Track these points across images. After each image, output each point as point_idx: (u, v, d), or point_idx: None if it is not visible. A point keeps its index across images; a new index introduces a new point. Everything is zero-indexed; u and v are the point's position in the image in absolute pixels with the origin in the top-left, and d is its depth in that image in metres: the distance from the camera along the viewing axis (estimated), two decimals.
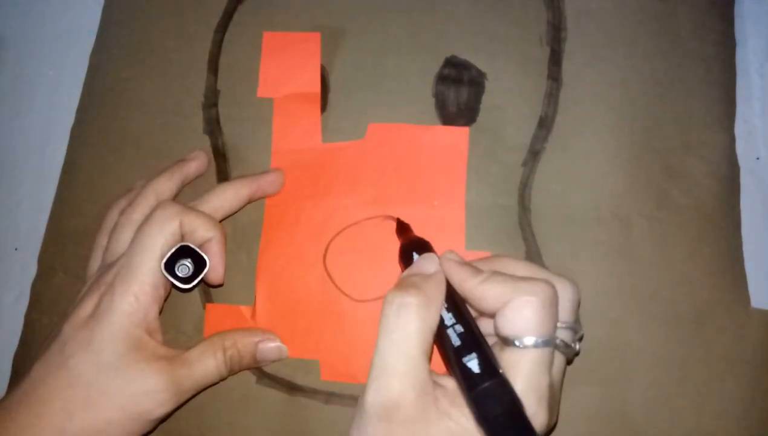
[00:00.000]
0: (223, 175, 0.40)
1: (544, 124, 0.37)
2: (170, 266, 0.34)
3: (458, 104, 0.38)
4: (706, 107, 0.37)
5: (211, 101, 0.41)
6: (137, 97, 0.42)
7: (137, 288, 0.33)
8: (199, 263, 0.35)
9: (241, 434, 0.36)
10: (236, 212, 0.38)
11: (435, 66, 0.39)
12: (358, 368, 0.36)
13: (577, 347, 0.29)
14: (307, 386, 0.36)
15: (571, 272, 0.35)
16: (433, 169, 0.37)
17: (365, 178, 0.38)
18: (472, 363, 0.26)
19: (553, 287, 0.27)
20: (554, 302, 0.27)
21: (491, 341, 0.28)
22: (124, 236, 0.36)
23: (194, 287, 0.35)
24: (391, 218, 0.37)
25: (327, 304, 0.37)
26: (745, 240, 0.35)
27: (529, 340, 0.26)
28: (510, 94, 0.38)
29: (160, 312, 0.35)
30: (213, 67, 0.42)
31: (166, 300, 0.36)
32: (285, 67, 0.41)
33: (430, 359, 0.28)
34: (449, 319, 0.28)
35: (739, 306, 0.34)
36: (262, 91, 0.41)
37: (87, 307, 0.33)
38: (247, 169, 0.40)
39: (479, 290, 0.28)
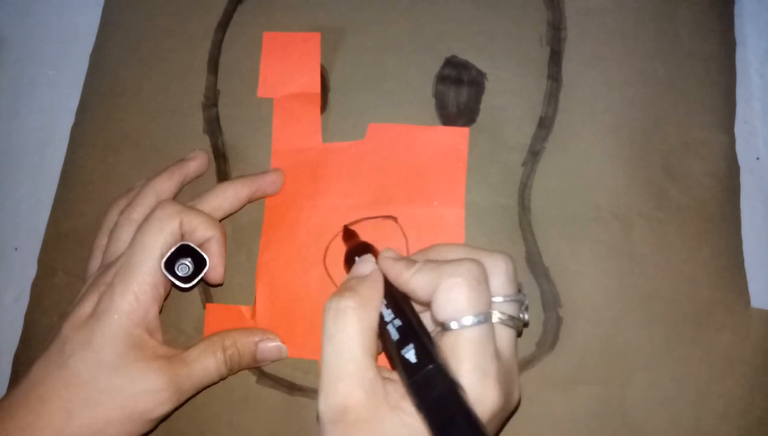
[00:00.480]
0: (223, 175, 0.40)
1: (544, 124, 0.37)
2: (170, 265, 0.34)
3: (458, 104, 0.38)
4: (706, 107, 0.37)
5: (211, 101, 0.41)
6: (137, 97, 0.42)
7: (137, 287, 0.33)
8: (199, 263, 0.35)
9: (241, 434, 0.36)
10: (236, 212, 0.38)
11: (435, 66, 0.39)
12: None
13: (526, 317, 0.29)
14: (307, 386, 0.36)
15: (571, 272, 0.35)
16: (433, 170, 0.37)
17: (365, 178, 0.38)
18: (410, 354, 0.27)
19: (479, 263, 0.27)
20: (481, 278, 0.27)
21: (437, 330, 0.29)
22: (124, 236, 0.36)
23: (194, 286, 0.35)
24: (392, 217, 0.37)
25: None
26: (745, 240, 0.35)
27: (466, 320, 0.26)
28: (510, 94, 0.38)
29: (160, 312, 0.35)
30: (213, 67, 0.42)
31: (166, 300, 0.36)
32: (285, 67, 0.41)
33: (376, 358, 0.28)
34: (388, 315, 0.29)
35: (739, 306, 0.34)
36: (262, 91, 0.41)
37: (87, 306, 0.33)
38: (247, 169, 0.40)
39: (412, 282, 0.28)
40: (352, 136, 0.39)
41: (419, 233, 0.36)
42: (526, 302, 0.30)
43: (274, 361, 0.37)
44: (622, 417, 0.33)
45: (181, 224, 0.34)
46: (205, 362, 0.34)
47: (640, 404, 0.33)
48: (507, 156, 0.37)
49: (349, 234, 0.36)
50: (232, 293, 0.38)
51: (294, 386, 0.36)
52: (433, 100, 0.39)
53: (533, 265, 0.36)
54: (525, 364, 0.34)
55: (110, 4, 0.45)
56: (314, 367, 0.36)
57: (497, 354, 0.27)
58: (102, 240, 0.38)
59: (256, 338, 0.36)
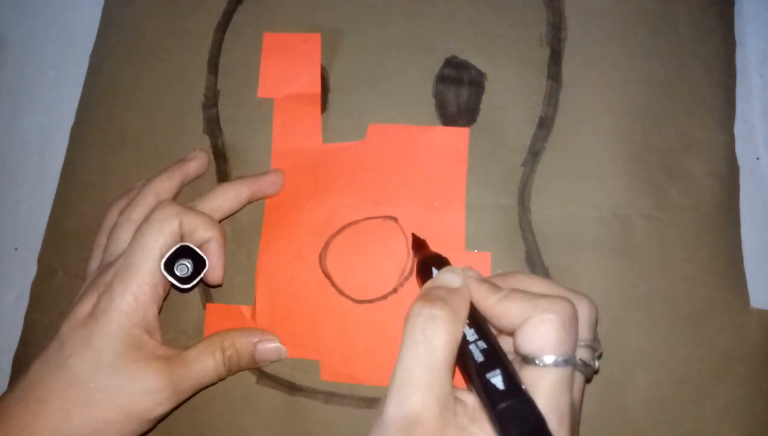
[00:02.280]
0: (223, 176, 0.40)
1: (544, 124, 0.37)
2: (169, 265, 0.34)
3: (458, 104, 0.38)
4: (706, 107, 0.37)
5: (211, 101, 0.41)
6: (137, 97, 0.42)
7: (136, 288, 0.33)
8: (199, 263, 0.35)
9: (241, 434, 0.36)
10: (236, 213, 0.38)
11: (435, 66, 0.39)
12: (358, 368, 0.36)
13: (597, 365, 0.29)
14: (307, 386, 0.36)
15: (571, 272, 0.35)
16: (433, 170, 0.37)
17: (365, 179, 0.38)
18: (496, 380, 0.26)
19: (572, 304, 0.27)
20: (574, 320, 0.27)
21: (511, 359, 0.28)
22: (124, 236, 0.36)
23: (193, 287, 0.35)
24: (392, 217, 0.37)
25: (327, 304, 0.37)
26: (745, 240, 0.35)
27: (549, 358, 0.26)
28: (510, 94, 0.38)
29: (160, 312, 0.35)
30: (213, 67, 0.42)
31: (165, 300, 0.36)
32: (285, 67, 0.41)
33: (453, 374, 0.27)
34: (471, 335, 0.28)
35: (739, 306, 0.34)
36: (262, 92, 0.41)
37: (86, 306, 0.33)
38: (247, 170, 0.40)
39: (499, 307, 0.28)
40: (352, 136, 0.39)
41: (419, 233, 0.36)
42: (600, 349, 0.29)
43: (273, 362, 0.37)
44: (622, 417, 0.33)
45: (180, 225, 0.34)
46: (203, 363, 0.34)
47: (640, 404, 0.33)
48: (507, 156, 0.37)
49: (418, 243, 0.35)
50: (232, 293, 0.38)
51: (294, 386, 0.36)
52: (433, 100, 0.39)
53: (533, 265, 0.36)
54: None
55: (110, 4, 0.45)
56: (314, 367, 0.36)
57: (572, 400, 0.27)
58: (102, 240, 0.38)
59: (255, 339, 0.36)
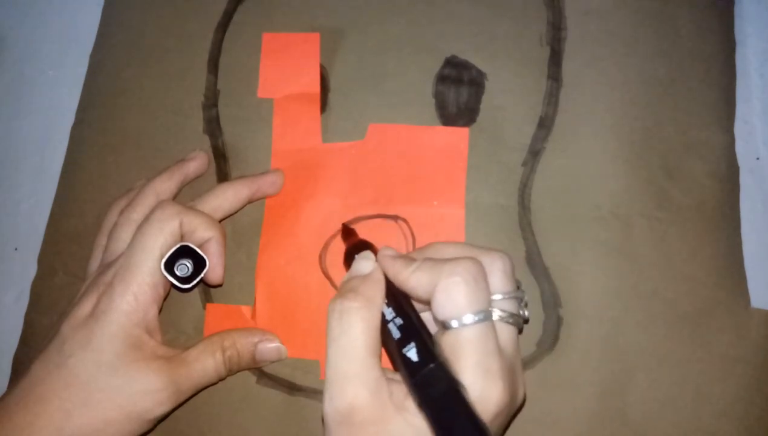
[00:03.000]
0: (223, 175, 0.40)
1: (544, 124, 0.37)
2: (170, 265, 0.34)
3: (458, 104, 0.38)
4: (706, 107, 0.37)
5: (211, 101, 0.41)
6: (137, 97, 0.42)
7: (136, 288, 0.33)
8: (199, 263, 0.35)
9: (241, 434, 0.36)
10: (236, 212, 0.38)
11: (435, 66, 0.39)
12: None
13: (526, 313, 0.29)
14: (307, 386, 0.36)
15: (571, 272, 0.35)
16: (433, 170, 0.37)
17: (365, 179, 0.38)
18: (411, 352, 0.27)
19: (477, 262, 0.27)
20: (480, 276, 0.27)
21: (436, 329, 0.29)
22: (124, 236, 0.36)
23: (193, 287, 0.35)
24: (392, 217, 0.37)
25: (327, 304, 0.36)
26: (745, 240, 0.35)
27: (466, 318, 0.26)
28: (510, 94, 0.38)
29: (160, 312, 0.35)
30: (213, 67, 0.42)
31: (165, 300, 0.36)
32: (285, 67, 0.41)
33: (380, 358, 0.28)
34: (390, 313, 0.29)
35: (739, 306, 0.34)
36: (262, 92, 0.41)
37: (86, 306, 0.33)
38: (247, 170, 0.40)
39: (411, 281, 0.28)
40: (352, 136, 0.39)
41: (419, 232, 0.36)
42: (525, 298, 0.30)
43: (273, 362, 0.37)
44: (622, 417, 0.33)
45: (180, 225, 0.34)
46: (204, 363, 0.34)
47: (640, 404, 0.33)
48: (507, 156, 0.37)
49: (348, 232, 0.36)
50: (232, 293, 0.38)
51: (294, 386, 0.36)
52: (433, 100, 0.39)
53: (533, 265, 0.36)
54: (525, 364, 0.34)
55: (110, 4, 0.45)
56: (314, 367, 0.36)
57: (500, 351, 0.27)
58: (102, 240, 0.38)
59: (255, 339, 0.36)
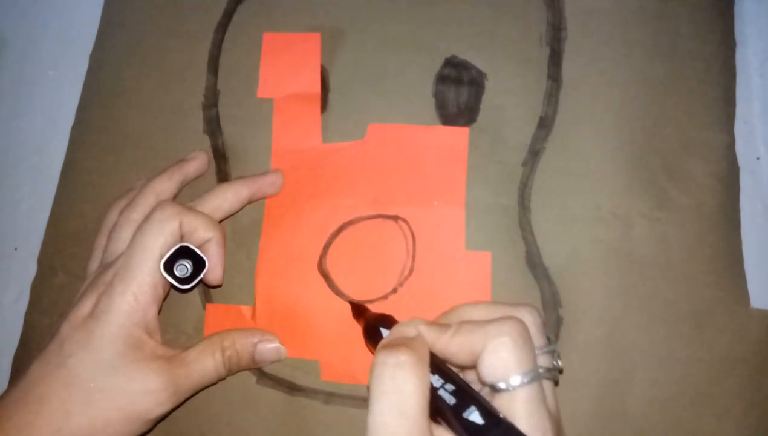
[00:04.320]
0: (223, 176, 0.40)
1: (544, 124, 0.37)
2: (169, 266, 0.34)
3: (458, 104, 0.38)
4: (706, 107, 0.37)
5: (211, 101, 0.41)
6: (137, 97, 0.42)
7: (136, 288, 0.33)
8: (199, 264, 0.35)
9: (241, 434, 0.36)
10: (236, 213, 0.38)
11: (435, 66, 0.39)
12: (358, 368, 0.36)
13: (560, 363, 0.29)
14: (307, 386, 0.36)
15: (571, 272, 0.35)
16: (433, 169, 0.37)
17: (365, 179, 0.38)
18: (474, 416, 0.25)
19: (521, 321, 0.27)
20: (527, 335, 0.27)
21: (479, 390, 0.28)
22: (124, 236, 0.36)
23: (193, 287, 0.35)
24: (391, 217, 0.37)
25: (327, 304, 0.37)
26: (745, 240, 0.35)
27: (515, 380, 0.25)
28: (510, 94, 0.38)
29: (160, 312, 0.35)
30: (213, 67, 0.42)
31: (164, 300, 0.36)
32: (285, 67, 0.41)
33: (428, 421, 0.26)
34: (437, 381, 0.27)
35: (739, 306, 0.34)
36: (262, 92, 0.41)
37: (85, 306, 0.33)
38: (247, 170, 0.40)
39: (453, 345, 0.27)
40: (352, 136, 0.39)
41: (419, 232, 0.36)
42: (558, 350, 0.29)
43: (272, 362, 0.37)
44: (622, 417, 0.33)
45: (180, 225, 0.34)
46: (203, 363, 0.34)
47: (640, 404, 0.33)
48: (507, 156, 0.37)
49: (359, 310, 0.35)
50: (232, 293, 0.38)
51: (294, 386, 0.36)
52: (433, 100, 0.39)
53: (533, 265, 0.36)
54: None
55: (110, 4, 0.45)
56: (314, 367, 0.36)
57: (548, 410, 0.26)
58: (102, 240, 0.38)
59: (255, 339, 0.36)
